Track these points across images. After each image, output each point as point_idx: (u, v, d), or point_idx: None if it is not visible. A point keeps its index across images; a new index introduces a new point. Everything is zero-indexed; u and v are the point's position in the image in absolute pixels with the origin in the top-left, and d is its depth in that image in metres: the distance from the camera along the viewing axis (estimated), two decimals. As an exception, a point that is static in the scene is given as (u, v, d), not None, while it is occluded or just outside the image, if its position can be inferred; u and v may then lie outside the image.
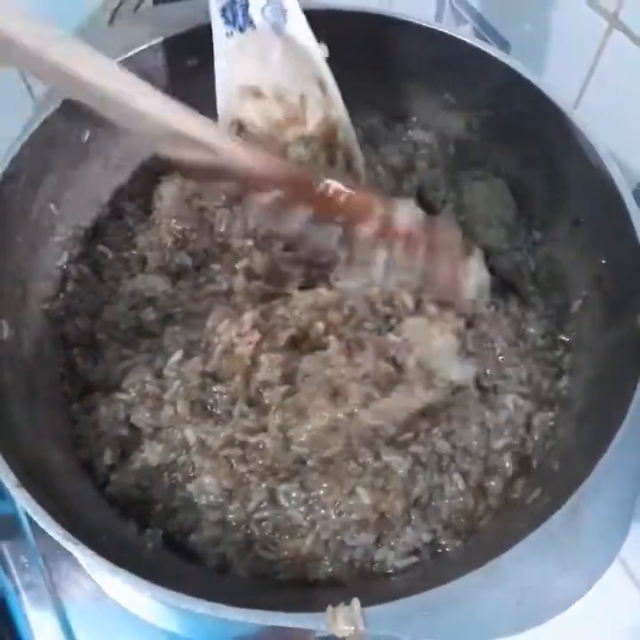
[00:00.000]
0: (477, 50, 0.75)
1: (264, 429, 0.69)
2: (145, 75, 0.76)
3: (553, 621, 0.53)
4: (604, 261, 0.70)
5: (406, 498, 0.66)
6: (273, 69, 0.74)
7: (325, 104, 0.75)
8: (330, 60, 0.73)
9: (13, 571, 0.75)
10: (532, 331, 0.76)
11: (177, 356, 0.73)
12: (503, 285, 0.78)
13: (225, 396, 0.71)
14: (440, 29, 0.76)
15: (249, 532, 0.67)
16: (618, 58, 0.77)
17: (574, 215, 0.74)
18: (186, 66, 0.79)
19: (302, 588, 0.64)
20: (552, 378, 0.73)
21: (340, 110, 0.75)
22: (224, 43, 0.73)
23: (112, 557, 0.53)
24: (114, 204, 0.84)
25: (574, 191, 0.74)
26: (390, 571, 0.65)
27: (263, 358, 0.72)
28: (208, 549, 0.66)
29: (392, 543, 0.66)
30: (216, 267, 0.80)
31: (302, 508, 0.67)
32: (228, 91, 0.76)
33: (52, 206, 0.76)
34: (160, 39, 0.77)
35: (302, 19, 0.70)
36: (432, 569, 0.63)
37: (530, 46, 0.87)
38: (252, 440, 0.69)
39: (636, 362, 0.60)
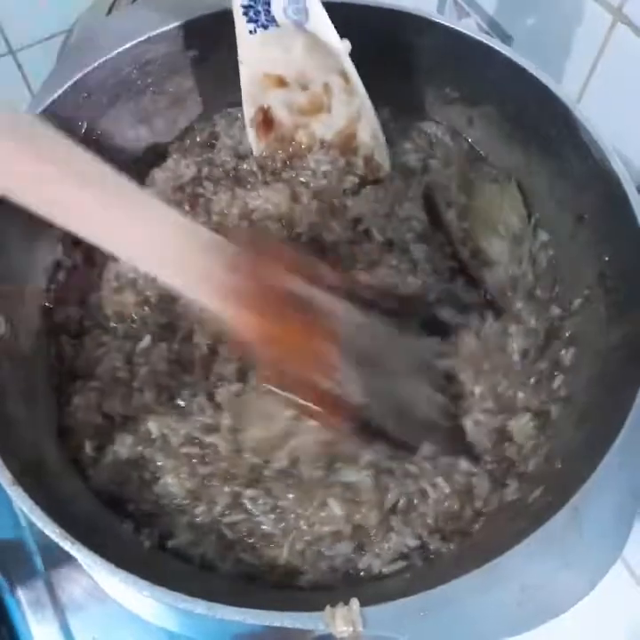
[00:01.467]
0: (479, 43, 0.74)
1: (217, 429, 0.67)
2: (144, 66, 0.77)
3: (555, 622, 0.52)
4: (607, 258, 0.69)
5: (380, 508, 0.64)
6: (296, 60, 0.75)
7: (349, 92, 0.76)
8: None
9: (11, 570, 0.75)
10: (515, 345, 0.73)
11: (145, 341, 0.71)
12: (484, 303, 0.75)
13: (189, 387, 0.69)
14: (442, 22, 0.75)
15: (223, 534, 0.65)
16: (622, 52, 0.77)
17: (578, 211, 0.73)
18: (187, 57, 0.79)
19: (296, 589, 0.63)
20: (551, 376, 0.71)
21: (362, 97, 0.76)
22: (247, 38, 0.73)
23: (109, 556, 0.52)
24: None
25: (577, 187, 0.72)
26: (379, 575, 0.63)
27: (221, 349, 0.70)
28: (189, 550, 0.64)
29: (377, 550, 0.63)
30: None
31: (272, 516, 0.64)
32: (252, 79, 0.77)
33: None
34: (160, 30, 0.76)
35: (324, 16, 0.70)
36: (430, 569, 0.62)
37: (533, 40, 0.86)
38: (207, 440, 0.67)
39: (639, 361, 0.59)
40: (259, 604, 0.51)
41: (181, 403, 0.69)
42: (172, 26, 0.76)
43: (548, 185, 0.77)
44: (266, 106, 0.79)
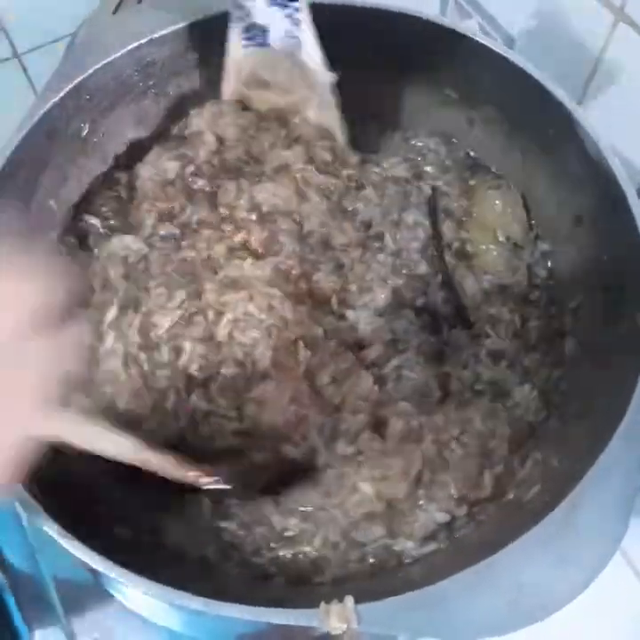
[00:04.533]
0: (480, 45, 0.74)
1: None
2: (146, 68, 0.78)
3: (557, 616, 0.52)
4: (606, 258, 0.69)
5: (407, 477, 0.64)
6: (282, 74, 0.78)
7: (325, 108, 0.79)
8: (331, 58, 0.73)
9: (11, 567, 0.75)
10: (484, 350, 0.73)
11: (112, 311, 0.70)
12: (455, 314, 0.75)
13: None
14: (444, 24, 0.76)
15: (229, 543, 0.64)
16: (624, 52, 0.76)
17: (576, 212, 0.73)
18: (188, 58, 0.80)
19: (298, 585, 0.63)
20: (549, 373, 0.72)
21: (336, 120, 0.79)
22: (240, 48, 0.76)
23: (108, 554, 0.53)
24: (107, 175, 0.82)
25: (576, 188, 0.73)
26: (407, 560, 0.63)
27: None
28: (186, 551, 0.63)
29: (407, 530, 0.63)
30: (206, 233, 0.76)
31: (295, 518, 0.64)
32: (237, 77, 0.79)
33: (51, 202, 0.76)
34: (164, 31, 0.77)
35: (317, 50, 0.73)
36: (427, 566, 0.62)
37: (534, 40, 0.86)
38: None
39: (637, 359, 0.59)
40: (256, 600, 0.51)
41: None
42: (174, 28, 0.77)
43: (547, 186, 0.77)
44: (246, 94, 0.81)
